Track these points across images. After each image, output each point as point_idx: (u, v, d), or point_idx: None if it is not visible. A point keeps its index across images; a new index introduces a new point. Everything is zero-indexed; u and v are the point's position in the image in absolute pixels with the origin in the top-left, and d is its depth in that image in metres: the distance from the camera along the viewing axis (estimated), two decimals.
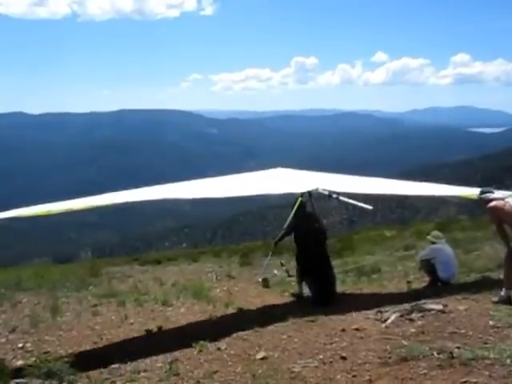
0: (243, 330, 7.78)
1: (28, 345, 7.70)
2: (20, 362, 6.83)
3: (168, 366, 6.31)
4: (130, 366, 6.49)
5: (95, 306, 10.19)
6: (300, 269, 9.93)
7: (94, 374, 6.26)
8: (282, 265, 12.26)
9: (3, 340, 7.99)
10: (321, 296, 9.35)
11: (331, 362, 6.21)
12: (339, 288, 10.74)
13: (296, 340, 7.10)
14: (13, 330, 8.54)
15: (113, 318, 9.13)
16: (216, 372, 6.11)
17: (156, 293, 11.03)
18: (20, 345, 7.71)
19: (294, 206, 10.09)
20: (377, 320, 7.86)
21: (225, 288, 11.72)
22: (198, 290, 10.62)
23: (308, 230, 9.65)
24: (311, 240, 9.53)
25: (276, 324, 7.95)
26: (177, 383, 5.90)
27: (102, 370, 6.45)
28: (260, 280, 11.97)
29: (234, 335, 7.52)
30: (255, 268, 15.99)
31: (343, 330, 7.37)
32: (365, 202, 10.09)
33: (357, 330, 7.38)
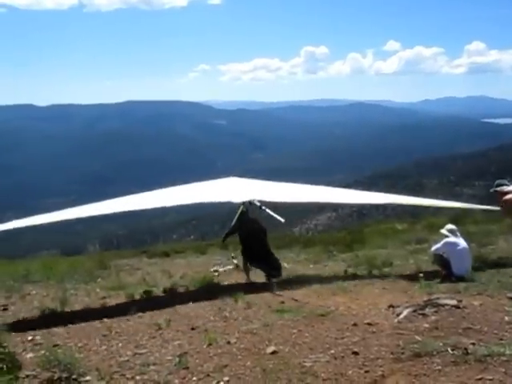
0: (252, 324, 7.80)
1: (37, 337, 7.76)
2: (30, 355, 6.88)
3: (177, 360, 6.34)
4: (139, 360, 6.52)
5: (104, 298, 10.26)
6: (245, 260, 12.08)
7: (103, 366, 6.29)
8: (232, 258, 14.61)
9: (12, 333, 8.04)
10: (268, 272, 11.71)
11: (343, 356, 6.21)
12: (350, 281, 10.76)
13: (307, 334, 7.10)
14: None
15: (121, 310, 9.16)
16: (226, 366, 6.13)
17: (164, 285, 11.06)
18: (29, 337, 7.77)
19: (237, 212, 12.36)
20: (389, 315, 7.86)
21: (233, 281, 11.73)
22: (207, 283, 10.63)
23: (249, 230, 11.96)
24: (252, 238, 11.84)
25: (286, 318, 7.96)
26: (186, 377, 5.91)
27: (111, 362, 6.49)
28: (212, 270, 13.91)
29: (244, 329, 7.54)
30: None
31: (355, 325, 7.37)
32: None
33: (369, 324, 7.37)
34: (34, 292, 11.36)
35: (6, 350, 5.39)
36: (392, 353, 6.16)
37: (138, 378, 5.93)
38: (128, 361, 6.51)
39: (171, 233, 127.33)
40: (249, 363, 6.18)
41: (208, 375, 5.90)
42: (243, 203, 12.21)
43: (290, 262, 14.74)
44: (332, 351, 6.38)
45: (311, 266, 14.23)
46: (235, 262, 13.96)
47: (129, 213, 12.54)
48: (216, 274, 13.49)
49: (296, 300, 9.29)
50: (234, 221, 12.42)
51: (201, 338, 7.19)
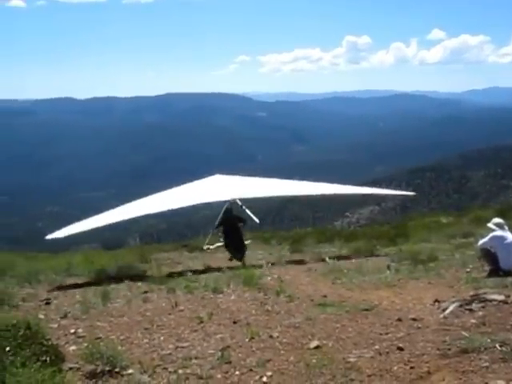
0: (295, 318, 7.80)
1: (80, 330, 7.89)
2: (73, 348, 7.01)
3: (220, 354, 6.38)
4: (181, 353, 6.58)
5: (145, 292, 10.37)
6: (227, 246, 14.91)
7: (145, 360, 6.37)
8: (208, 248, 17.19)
9: (55, 325, 8.20)
10: (235, 255, 14.50)
11: (387, 352, 6.16)
12: (394, 276, 10.68)
13: (350, 329, 7.07)
14: (65, 316, 8.77)
15: (163, 304, 9.27)
16: (269, 361, 6.15)
17: (206, 280, 11.13)
18: (72, 330, 7.90)
19: (223, 209, 14.67)
20: (434, 310, 7.77)
21: (276, 275, 11.75)
22: (249, 278, 10.66)
23: (230, 225, 14.41)
24: (232, 230, 14.41)
25: (329, 312, 7.94)
26: (229, 371, 5.95)
27: (153, 356, 6.57)
28: (205, 248, 16.84)
29: (286, 323, 7.55)
30: (306, 255, 16.01)
31: (399, 320, 7.31)
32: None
33: (414, 319, 7.31)
34: None
35: (50, 343, 5.50)
36: (438, 349, 6.09)
37: (180, 371, 5.98)
38: (170, 354, 6.58)
39: (210, 226, 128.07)
40: (292, 358, 6.18)
41: (251, 370, 5.93)
42: (229, 203, 14.34)
43: (332, 257, 14.66)
44: (376, 347, 6.35)
45: (353, 260, 14.13)
46: (212, 247, 16.82)
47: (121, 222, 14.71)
48: (208, 250, 16.49)
49: (339, 294, 9.26)
50: (221, 216, 14.73)
51: (243, 331, 7.23)
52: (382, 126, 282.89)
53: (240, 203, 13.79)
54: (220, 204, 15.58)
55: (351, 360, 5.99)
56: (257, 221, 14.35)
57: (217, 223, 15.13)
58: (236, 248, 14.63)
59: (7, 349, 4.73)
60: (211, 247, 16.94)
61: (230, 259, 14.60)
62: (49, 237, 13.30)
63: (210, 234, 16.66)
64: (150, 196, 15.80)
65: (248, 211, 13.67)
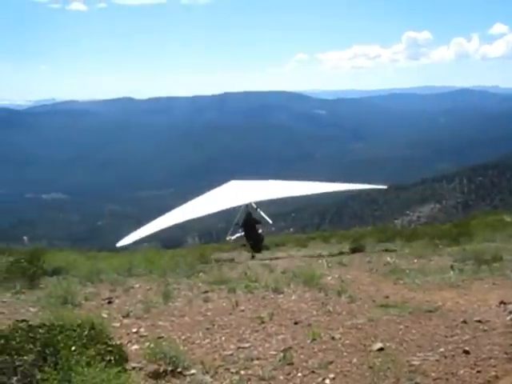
0: (357, 319, 7.74)
1: (142, 329, 8.00)
2: (135, 347, 7.12)
3: (281, 355, 6.37)
4: (242, 354, 6.61)
5: (206, 292, 10.45)
6: (248, 242, 16.98)
7: (207, 360, 6.41)
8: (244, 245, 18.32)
9: (118, 324, 8.35)
10: (255, 249, 16.52)
11: (453, 355, 6.04)
12: (458, 277, 10.48)
13: (414, 331, 6.97)
14: (127, 315, 8.92)
15: (224, 304, 9.33)
16: (331, 362, 6.11)
17: (266, 280, 11.14)
18: (134, 329, 8.02)
19: (241, 212, 16.55)
20: (500, 312, 7.57)
21: (336, 275, 11.68)
22: (309, 278, 10.62)
23: (249, 224, 16.13)
24: (250, 229, 16.31)
25: (391, 313, 7.84)
26: (291, 373, 5.93)
27: (215, 356, 6.62)
28: (227, 239, 18.59)
29: (348, 324, 7.49)
30: (367, 255, 15.85)
31: (464, 322, 7.16)
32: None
33: (479, 322, 7.14)
34: (138, 285, 11.73)
35: (114, 343, 5.61)
36: (506, 352, 5.95)
37: (242, 372, 6.00)
38: (232, 355, 6.61)
39: (270, 225, 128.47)
40: (355, 360, 6.13)
41: (313, 372, 5.90)
42: (246, 206, 16.05)
43: (393, 256, 14.47)
44: (441, 349, 6.23)
45: (415, 260, 13.90)
46: (233, 238, 18.25)
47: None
48: (230, 240, 17.98)
49: (401, 295, 9.13)
50: (239, 217, 16.76)
51: (304, 332, 7.21)
52: (443, 122, 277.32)
53: (255, 206, 15.42)
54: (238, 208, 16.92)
55: (415, 363, 5.90)
56: (270, 221, 16.51)
57: (237, 223, 17.17)
58: (254, 243, 16.93)
59: (73, 348, 4.84)
60: (232, 238, 18.65)
61: (251, 252, 16.75)
62: (119, 244, 15.48)
63: (232, 229, 18.23)
64: (180, 206, 18.12)
65: (262, 213, 15.48)
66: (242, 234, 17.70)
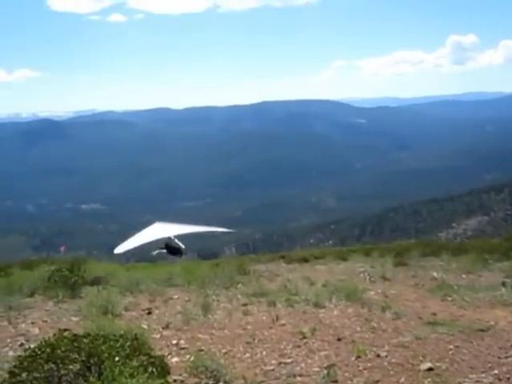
0: (403, 336, 7.61)
1: (182, 342, 8.03)
2: (175, 359, 7.14)
3: (325, 372, 6.30)
4: (284, 369, 6.56)
5: (245, 305, 10.44)
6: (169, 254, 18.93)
7: (249, 375, 6.39)
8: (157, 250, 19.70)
9: (158, 336, 8.40)
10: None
11: (508, 378, 5.89)
12: (510, 294, 10.22)
13: (465, 351, 6.81)
14: (166, 327, 8.97)
15: (264, 318, 9.30)
16: (377, 382, 6.02)
17: (307, 293, 11.06)
18: (174, 341, 8.06)
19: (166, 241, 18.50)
20: None
21: (380, 290, 11.54)
22: (352, 292, 10.52)
23: (171, 248, 18.21)
24: (171, 249, 18.27)
25: (440, 331, 7.69)
26: None
27: (256, 371, 6.59)
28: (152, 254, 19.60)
29: (394, 342, 7.37)
30: (411, 269, 15.63)
31: None
32: None
33: None
34: (176, 296, 11.81)
35: (156, 354, 5.63)
36: None
37: None
38: (273, 370, 6.57)
39: (308, 237, 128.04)
40: (403, 379, 6.02)
41: None
42: (168, 238, 18.26)
43: (440, 271, 14.20)
44: (495, 371, 6.08)
45: (464, 276, 13.63)
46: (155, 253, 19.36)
47: None
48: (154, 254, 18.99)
49: (450, 312, 8.95)
50: (164, 244, 18.55)
51: (348, 349, 7.13)
52: (491, 130, 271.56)
53: (173, 238, 18.03)
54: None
55: None
56: (183, 246, 18.37)
57: (161, 247, 18.93)
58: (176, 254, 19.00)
59: (116, 359, 4.88)
60: (154, 253, 19.91)
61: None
62: (116, 251, 17.48)
63: (157, 250, 19.54)
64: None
65: (177, 241, 18.10)
66: (164, 251, 19.94)
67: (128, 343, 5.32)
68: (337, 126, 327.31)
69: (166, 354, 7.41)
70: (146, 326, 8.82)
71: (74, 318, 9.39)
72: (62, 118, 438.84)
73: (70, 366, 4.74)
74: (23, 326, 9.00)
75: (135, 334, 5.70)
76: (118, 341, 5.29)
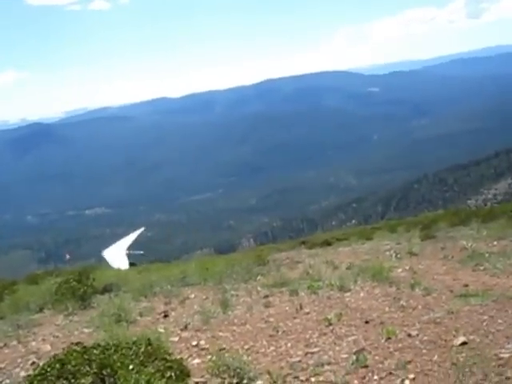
0: (434, 312, 7.64)
1: (202, 342, 8.09)
2: (197, 361, 7.21)
3: (354, 357, 6.33)
4: (311, 359, 6.60)
5: (266, 297, 10.50)
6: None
7: (274, 369, 6.43)
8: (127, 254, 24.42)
9: (176, 339, 8.46)
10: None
11: None
12: None
13: (500, 321, 6.83)
14: (185, 328, 9.05)
15: (287, 308, 9.35)
16: (410, 362, 6.04)
17: (330, 278, 11.11)
18: (194, 342, 8.12)
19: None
20: None
21: (407, 267, 11.57)
22: (378, 272, 10.56)
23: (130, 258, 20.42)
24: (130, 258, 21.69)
25: (473, 303, 7.71)
26: (366, 376, 5.89)
27: (281, 364, 6.64)
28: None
29: (425, 319, 7.41)
30: (440, 241, 15.64)
31: None
32: None
33: None
34: (193, 295, 11.89)
35: (173, 358, 5.71)
36: None
37: (312, 379, 6.00)
38: (300, 361, 6.61)
39: (330, 219, 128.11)
40: (436, 357, 6.05)
41: (390, 373, 5.85)
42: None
43: (470, 241, 14.21)
44: None
45: (495, 242, 13.64)
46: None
47: None
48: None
49: (482, 282, 8.97)
50: (127, 256, 21.78)
51: (377, 331, 7.17)
52: None
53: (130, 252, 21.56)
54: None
55: (505, 355, 5.79)
56: (141, 252, 22.97)
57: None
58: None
59: (130, 367, 4.95)
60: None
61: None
62: (103, 254, 23.22)
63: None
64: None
65: (132, 252, 21.55)
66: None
67: (142, 349, 5.39)
68: (349, 98, 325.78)
69: (187, 356, 7.47)
70: (162, 330, 8.89)
71: (87, 330, 9.49)
72: (53, 120, 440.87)
73: (82, 380, 4.79)
74: (34, 343, 9.10)
75: (148, 339, 5.77)
76: (130, 348, 5.36)
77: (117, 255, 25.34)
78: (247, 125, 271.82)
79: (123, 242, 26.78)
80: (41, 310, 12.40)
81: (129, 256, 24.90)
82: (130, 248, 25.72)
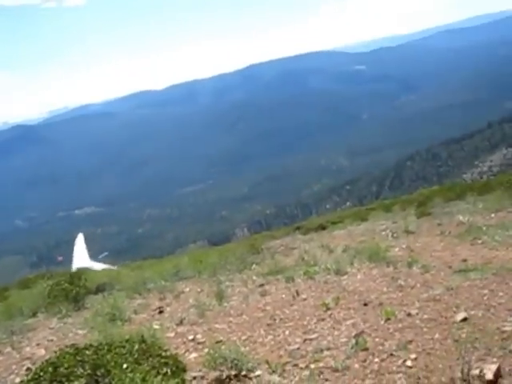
0: (434, 289, 7.64)
1: (199, 336, 8.07)
2: (194, 355, 7.19)
3: (354, 341, 6.32)
4: (310, 346, 6.59)
5: (262, 285, 10.49)
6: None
7: (272, 358, 6.43)
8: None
9: (172, 334, 8.44)
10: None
11: None
12: None
13: (501, 294, 6.84)
14: (180, 322, 9.02)
15: (283, 296, 9.34)
16: (410, 342, 6.04)
17: (326, 262, 11.11)
18: (190, 337, 8.10)
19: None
20: None
21: (404, 245, 11.59)
22: (374, 252, 10.57)
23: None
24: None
25: (472, 278, 7.71)
26: (367, 359, 5.88)
27: (280, 353, 6.62)
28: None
29: (425, 297, 7.41)
30: (436, 217, 15.66)
31: None
32: None
33: None
34: (188, 289, 11.87)
35: (168, 354, 5.68)
36: None
37: (312, 366, 5.98)
38: (298, 349, 6.60)
39: (324, 202, 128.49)
40: (437, 335, 6.05)
41: (391, 355, 5.85)
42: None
43: (467, 215, 14.23)
44: None
45: (492, 215, 13.67)
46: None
47: None
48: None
49: (481, 256, 8.98)
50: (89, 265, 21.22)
51: (376, 313, 7.17)
52: (504, 52, 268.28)
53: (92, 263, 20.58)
54: None
55: (507, 329, 5.79)
56: (106, 253, 23.38)
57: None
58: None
59: (124, 366, 4.92)
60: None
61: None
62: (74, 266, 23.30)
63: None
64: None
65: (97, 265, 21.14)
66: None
67: (136, 347, 5.36)
68: (335, 78, 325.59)
69: (183, 351, 7.47)
70: (158, 326, 8.86)
71: (81, 331, 9.45)
72: (36, 120, 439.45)
73: (76, 382, 4.77)
74: (28, 349, 9.05)
75: (142, 337, 5.74)
76: (124, 347, 5.34)
77: (89, 265, 26.37)
78: (233, 113, 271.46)
79: (79, 255, 29.12)
80: (34, 314, 12.33)
81: (99, 263, 26.06)
82: (91, 257, 27.58)
